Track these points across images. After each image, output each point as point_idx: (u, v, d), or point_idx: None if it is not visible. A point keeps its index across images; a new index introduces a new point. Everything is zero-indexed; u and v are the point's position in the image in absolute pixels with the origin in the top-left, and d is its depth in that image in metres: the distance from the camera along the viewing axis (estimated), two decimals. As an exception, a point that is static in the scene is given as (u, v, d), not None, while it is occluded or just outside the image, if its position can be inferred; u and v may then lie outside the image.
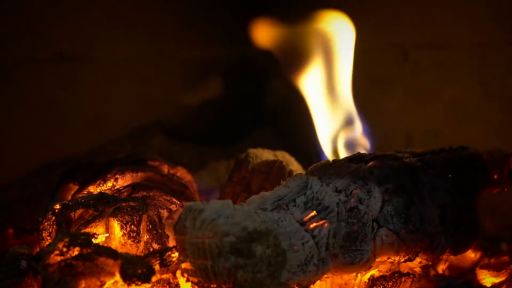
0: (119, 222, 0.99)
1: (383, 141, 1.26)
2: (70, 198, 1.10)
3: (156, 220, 1.04)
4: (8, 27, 1.49)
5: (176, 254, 0.87)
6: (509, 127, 1.43)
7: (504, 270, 1.07)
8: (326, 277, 0.93)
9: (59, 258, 0.84)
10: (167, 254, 0.88)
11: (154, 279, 0.85)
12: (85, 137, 1.68)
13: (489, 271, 1.08)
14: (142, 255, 0.93)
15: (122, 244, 0.98)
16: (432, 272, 1.03)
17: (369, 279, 0.99)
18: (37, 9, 1.53)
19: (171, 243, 1.00)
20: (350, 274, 0.98)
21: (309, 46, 1.27)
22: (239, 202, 0.93)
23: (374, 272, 0.99)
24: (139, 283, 0.84)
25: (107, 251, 0.85)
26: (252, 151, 1.21)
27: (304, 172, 1.00)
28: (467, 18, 1.49)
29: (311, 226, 0.86)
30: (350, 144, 1.19)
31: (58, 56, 1.59)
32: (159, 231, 1.03)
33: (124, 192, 1.09)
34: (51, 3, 1.55)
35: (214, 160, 1.79)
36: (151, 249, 0.99)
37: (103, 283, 0.84)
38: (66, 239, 0.85)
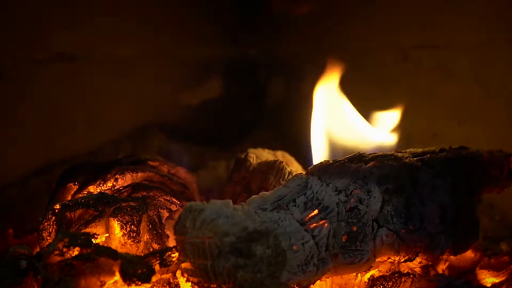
0: (119, 222, 0.99)
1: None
2: (70, 198, 1.10)
3: (156, 220, 1.04)
4: (8, 27, 1.49)
5: (176, 254, 0.87)
6: (509, 127, 1.43)
7: (504, 270, 1.07)
8: (326, 277, 0.93)
9: (59, 258, 0.84)
10: (167, 254, 0.88)
11: (154, 279, 0.85)
12: (85, 137, 1.68)
13: (489, 271, 1.08)
14: (142, 255, 0.93)
15: (122, 244, 0.98)
16: (432, 272, 1.03)
17: (369, 279, 0.99)
18: (37, 9, 1.53)
19: (171, 243, 1.00)
20: (350, 274, 0.98)
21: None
22: (239, 202, 0.93)
23: (374, 272, 0.99)
24: (139, 283, 0.84)
25: (107, 251, 0.85)
26: (252, 151, 1.21)
27: (304, 172, 1.01)
28: (467, 18, 1.49)
29: (311, 226, 0.86)
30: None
31: (58, 56, 1.59)
32: (159, 231, 1.03)
33: (124, 192, 1.09)
34: (51, 3, 1.55)
35: (214, 160, 1.79)
36: (151, 249, 0.99)
37: (103, 283, 0.84)
38: (66, 239, 0.85)
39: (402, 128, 1.22)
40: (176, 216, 1.03)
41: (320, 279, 0.91)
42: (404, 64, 1.64)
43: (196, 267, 0.81)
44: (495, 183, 1.05)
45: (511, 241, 1.27)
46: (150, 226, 1.02)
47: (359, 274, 0.99)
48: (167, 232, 1.04)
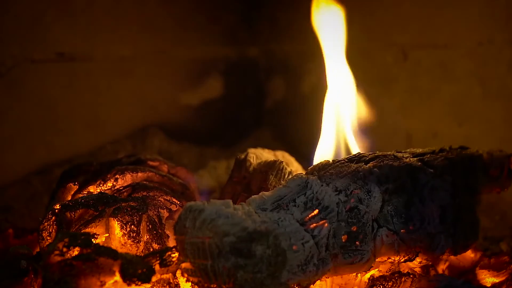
0: (119, 222, 0.99)
1: (383, 141, 1.26)
2: (70, 198, 1.10)
3: (156, 220, 1.04)
4: (8, 27, 1.49)
5: (176, 254, 0.87)
6: (509, 127, 1.43)
7: (504, 270, 1.07)
8: (326, 277, 0.93)
9: (59, 258, 0.84)
10: (167, 254, 0.88)
11: (154, 279, 0.85)
12: (85, 137, 1.68)
13: (489, 271, 1.08)
14: (142, 255, 0.93)
15: (122, 244, 0.98)
16: (432, 272, 1.03)
17: (369, 279, 0.99)
18: (37, 9, 1.53)
19: (171, 243, 1.00)
20: (350, 274, 0.98)
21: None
22: (239, 202, 0.93)
23: (374, 272, 0.99)
24: (139, 283, 0.84)
25: (107, 251, 0.85)
26: (252, 151, 1.21)
27: (304, 172, 1.01)
28: (467, 18, 1.49)
29: (311, 226, 0.86)
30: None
31: (58, 56, 1.59)
32: (159, 231, 1.03)
33: (124, 192, 1.09)
34: (51, 3, 1.55)
35: (214, 160, 1.80)
36: (151, 249, 0.99)
37: (103, 283, 0.84)
38: (66, 239, 0.85)
39: (402, 128, 1.22)
40: (176, 216, 1.03)
41: (320, 279, 0.91)
42: (404, 64, 1.64)
43: (196, 267, 0.81)
44: (495, 183, 1.05)
45: (511, 241, 1.27)
46: (150, 226, 1.02)
47: (359, 274, 0.99)
48: (167, 232, 1.04)
